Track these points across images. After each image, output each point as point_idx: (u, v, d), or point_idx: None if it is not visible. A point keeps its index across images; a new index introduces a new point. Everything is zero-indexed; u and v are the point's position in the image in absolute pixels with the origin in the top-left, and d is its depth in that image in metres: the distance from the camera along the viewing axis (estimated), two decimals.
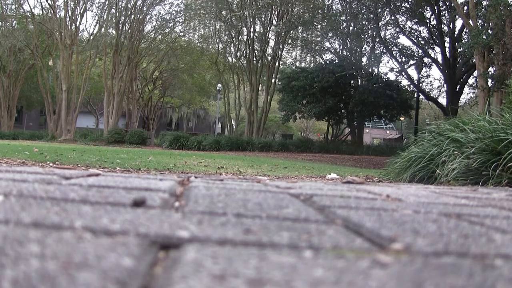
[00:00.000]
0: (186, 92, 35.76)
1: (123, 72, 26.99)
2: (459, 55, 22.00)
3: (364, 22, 23.62)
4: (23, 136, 26.24)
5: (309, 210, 1.09)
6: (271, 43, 27.06)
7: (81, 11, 27.08)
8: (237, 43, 27.61)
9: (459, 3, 16.11)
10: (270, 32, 26.39)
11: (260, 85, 28.17)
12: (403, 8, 23.48)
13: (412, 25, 24.39)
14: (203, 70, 33.50)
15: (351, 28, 23.98)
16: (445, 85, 23.62)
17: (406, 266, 0.60)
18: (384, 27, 25.09)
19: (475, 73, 17.31)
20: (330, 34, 24.68)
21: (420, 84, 23.70)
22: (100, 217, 0.81)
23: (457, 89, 22.25)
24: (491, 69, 14.61)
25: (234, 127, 31.21)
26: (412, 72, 24.75)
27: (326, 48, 26.71)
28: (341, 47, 26.22)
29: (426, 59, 24.45)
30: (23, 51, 28.54)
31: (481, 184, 3.05)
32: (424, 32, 24.32)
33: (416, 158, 4.00)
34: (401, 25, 24.61)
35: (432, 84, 29.80)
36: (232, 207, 1.06)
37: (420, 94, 22.79)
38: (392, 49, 24.93)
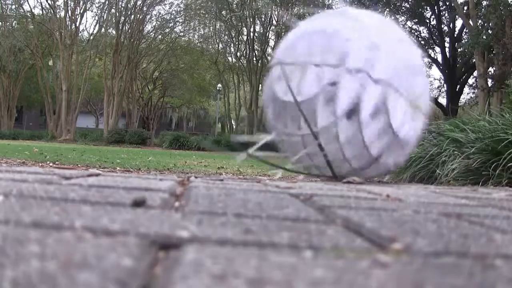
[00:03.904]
0: (186, 92, 35.75)
1: (123, 72, 26.99)
2: (459, 55, 22.00)
3: None
4: (23, 136, 26.23)
5: (309, 210, 1.09)
6: (271, 43, 27.08)
7: (81, 11, 27.11)
8: (237, 43, 27.62)
9: (459, 3, 16.10)
10: (270, 32, 26.40)
11: (260, 85, 28.17)
12: (403, 8, 23.48)
13: (412, 25, 24.39)
14: (203, 70, 33.48)
15: None
16: (445, 85, 23.62)
17: (406, 266, 0.60)
18: None
19: (475, 73, 17.31)
20: None
21: None
22: (100, 217, 0.81)
23: (457, 89, 22.25)
24: (491, 69, 14.61)
25: (234, 127, 31.18)
26: None
27: None
28: None
29: (426, 59, 24.46)
30: (23, 51, 28.54)
31: (481, 184, 3.05)
32: (424, 32, 24.34)
33: (416, 158, 4.00)
34: (401, 25, 24.60)
35: (432, 84, 29.78)
36: (232, 207, 1.06)
37: None
38: None
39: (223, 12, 26.38)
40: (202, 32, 31.41)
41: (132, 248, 0.60)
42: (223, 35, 29.46)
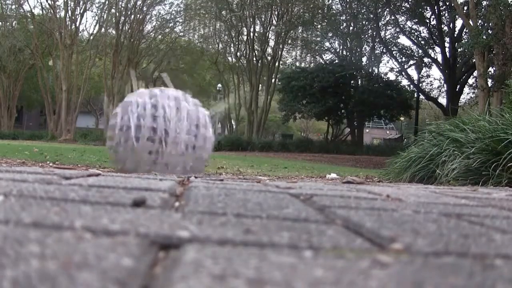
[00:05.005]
0: (186, 92, 35.66)
1: (123, 72, 26.97)
2: (459, 55, 21.99)
3: (364, 22, 23.63)
4: (23, 136, 26.20)
5: (309, 210, 1.09)
6: (271, 43, 27.08)
7: (81, 11, 27.09)
8: (237, 43, 27.61)
9: (459, 3, 16.10)
10: (270, 32, 26.40)
11: (260, 85, 28.16)
12: (403, 8, 23.47)
13: (412, 25, 24.38)
14: (203, 70, 33.46)
15: (351, 28, 23.98)
16: (445, 85, 23.61)
17: (406, 266, 0.60)
18: (384, 27, 25.08)
19: (475, 73, 17.30)
20: (330, 34, 24.69)
21: (420, 84, 23.68)
22: (100, 217, 0.81)
23: (457, 89, 22.24)
24: (491, 69, 14.62)
25: (234, 127, 31.17)
26: (412, 72, 24.72)
27: (326, 48, 26.72)
28: (341, 47, 26.23)
29: (426, 59, 24.43)
30: (23, 51, 28.52)
31: (481, 184, 3.05)
32: (424, 32, 24.32)
33: (416, 158, 4.00)
34: (401, 25, 24.59)
35: (432, 84, 29.73)
36: (232, 207, 1.06)
37: (420, 94, 22.76)
38: (392, 49, 24.91)
39: (223, 12, 26.36)
40: (202, 32, 31.39)
41: (132, 248, 0.60)
42: (223, 35, 29.46)
